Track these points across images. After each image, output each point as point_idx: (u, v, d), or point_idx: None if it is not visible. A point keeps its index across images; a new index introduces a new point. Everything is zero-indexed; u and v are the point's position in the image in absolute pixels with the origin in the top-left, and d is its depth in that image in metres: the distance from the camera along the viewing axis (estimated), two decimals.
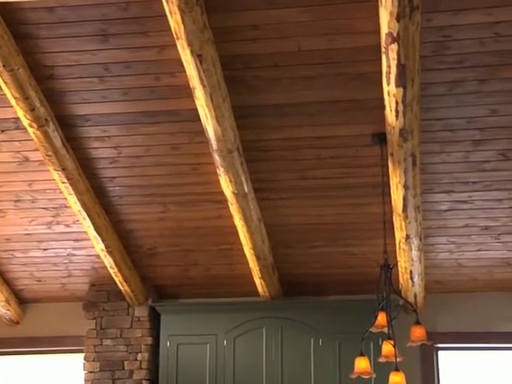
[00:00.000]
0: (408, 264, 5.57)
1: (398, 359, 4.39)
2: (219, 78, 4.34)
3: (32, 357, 6.56)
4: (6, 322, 6.52)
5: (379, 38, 3.91)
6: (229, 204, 5.27)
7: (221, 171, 4.98)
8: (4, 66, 4.27)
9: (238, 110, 4.62)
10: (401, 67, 3.96)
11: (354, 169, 5.05)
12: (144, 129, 4.87)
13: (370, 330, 4.48)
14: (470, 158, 4.85)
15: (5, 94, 4.49)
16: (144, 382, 6.04)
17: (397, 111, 4.27)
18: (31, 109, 4.57)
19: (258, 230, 5.50)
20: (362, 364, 4.56)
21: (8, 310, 6.42)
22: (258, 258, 5.73)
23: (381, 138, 4.69)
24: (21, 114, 4.61)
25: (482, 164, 4.89)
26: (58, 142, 4.86)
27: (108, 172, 5.24)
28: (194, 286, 6.29)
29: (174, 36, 4.05)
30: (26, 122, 4.67)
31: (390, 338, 4.42)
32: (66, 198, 5.36)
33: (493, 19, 3.93)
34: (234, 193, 5.13)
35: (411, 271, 5.64)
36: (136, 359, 6.08)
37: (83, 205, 5.34)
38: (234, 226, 5.51)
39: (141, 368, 6.05)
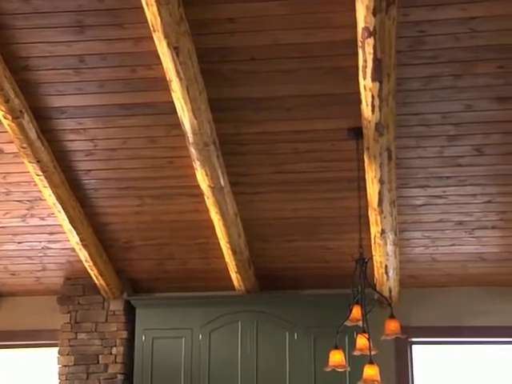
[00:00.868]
0: (383, 258, 5.60)
1: (373, 352, 4.41)
2: (196, 70, 4.33)
3: (6, 351, 6.51)
4: None
5: (356, 32, 3.92)
6: (205, 198, 5.27)
7: (197, 165, 4.96)
8: None
9: (215, 103, 4.61)
10: (377, 62, 3.97)
11: (330, 163, 5.06)
12: (120, 121, 4.84)
13: (345, 323, 4.50)
14: (445, 153, 4.88)
15: None
16: (119, 375, 6.03)
17: (373, 106, 4.29)
18: (5, 100, 4.52)
19: (234, 223, 5.50)
20: (336, 357, 4.57)
21: None
22: (234, 252, 5.73)
23: (357, 133, 4.71)
24: None
25: (457, 159, 4.92)
26: (32, 134, 4.82)
27: (83, 165, 5.21)
28: (169, 280, 6.28)
29: (151, 28, 4.03)
30: (0, 114, 4.63)
31: (364, 332, 4.44)
32: (40, 191, 5.32)
33: (468, 15, 3.95)
34: (210, 186, 5.12)
35: (386, 266, 5.67)
36: (111, 353, 6.06)
37: (58, 198, 5.31)
38: (210, 220, 5.50)
39: (116, 362, 6.03)
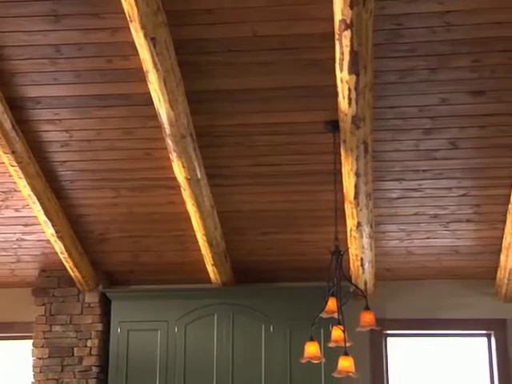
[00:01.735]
0: (359, 251, 5.63)
1: (348, 344, 4.44)
2: (173, 62, 4.31)
3: None
4: None
5: (333, 24, 3.93)
6: (181, 190, 5.26)
7: (174, 156, 4.95)
8: None
9: (192, 94, 4.60)
10: (354, 54, 3.98)
11: (306, 156, 5.07)
12: (96, 112, 4.81)
13: (321, 315, 4.51)
14: (421, 146, 4.91)
15: None
16: (94, 368, 6.00)
17: (349, 98, 4.30)
18: None
19: (210, 216, 5.49)
20: (311, 349, 4.59)
21: None
22: (211, 245, 5.73)
23: (334, 125, 4.72)
24: None
25: (433, 152, 4.96)
26: (7, 125, 4.77)
27: (59, 156, 5.17)
28: (145, 273, 6.26)
29: (128, 18, 4.01)
30: None
31: (339, 323, 4.46)
32: (15, 182, 5.28)
33: (444, 8, 3.97)
34: (186, 178, 5.11)
35: (362, 258, 5.70)
36: (86, 345, 6.03)
37: (33, 189, 5.26)
38: (187, 212, 5.49)
39: (90, 354, 6.01)
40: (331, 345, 4.57)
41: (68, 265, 5.95)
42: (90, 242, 5.98)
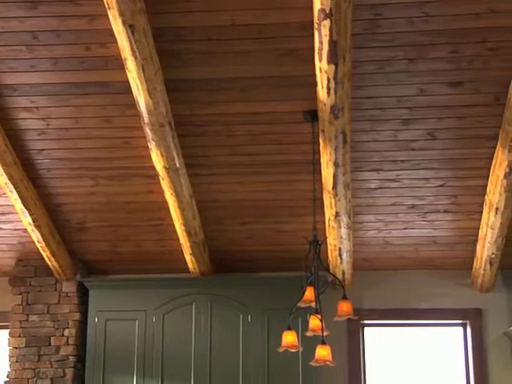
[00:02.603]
0: (337, 241, 5.65)
1: (325, 333, 4.45)
2: (151, 49, 4.29)
3: None
4: None
5: (312, 13, 3.93)
6: (160, 179, 5.24)
7: (152, 145, 4.93)
8: None
9: (171, 83, 4.58)
10: (332, 44, 3.99)
11: (285, 145, 5.07)
12: (74, 100, 4.78)
13: (298, 304, 4.52)
14: (399, 136, 4.93)
15: None
16: (71, 357, 5.98)
17: (328, 88, 4.31)
18: None
19: (189, 205, 5.48)
20: (289, 338, 4.61)
21: None
22: (189, 234, 5.72)
23: (312, 115, 4.73)
24: None
25: (411, 143, 4.98)
26: None
27: (36, 144, 5.13)
28: (123, 262, 6.24)
29: (106, 5, 3.98)
30: None
31: (317, 313, 4.48)
32: None
33: None
34: (165, 167, 5.09)
35: (340, 249, 5.72)
36: (63, 335, 6.00)
37: (10, 177, 5.22)
38: (165, 202, 5.48)
39: (68, 344, 5.98)
40: (309, 334, 4.59)
41: (45, 254, 5.92)
42: (67, 231, 5.95)
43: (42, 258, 5.98)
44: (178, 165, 5.10)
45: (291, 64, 4.44)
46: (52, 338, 6.01)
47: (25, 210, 5.50)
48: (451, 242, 5.90)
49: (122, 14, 3.99)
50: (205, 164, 5.26)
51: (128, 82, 4.47)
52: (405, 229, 5.78)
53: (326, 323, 4.49)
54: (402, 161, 5.13)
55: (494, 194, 5.12)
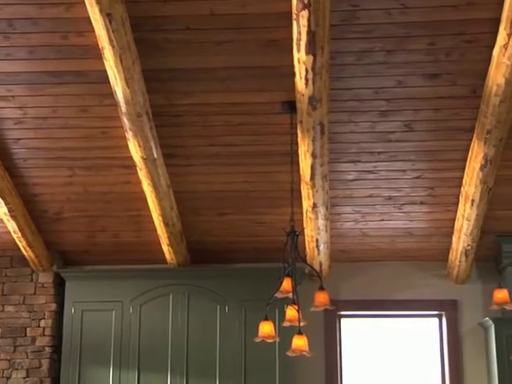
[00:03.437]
0: (314, 233, 5.67)
1: (302, 323, 4.46)
2: (129, 39, 4.26)
3: None
4: None
5: (291, 4, 3.93)
6: (137, 169, 5.22)
7: (130, 135, 4.91)
8: None
9: (148, 73, 4.56)
10: (311, 34, 3.99)
11: (263, 136, 5.07)
12: (51, 89, 4.74)
13: (275, 295, 4.53)
14: (377, 128, 4.95)
15: None
16: (47, 348, 5.95)
17: (306, 79, 4.31)
18: None
19: (166, 196, 5.47)
20: (266, 328, 4.61)
21: None
22: (167, 225, 5.71)
23: (290, 106, 4.73)
24: None
25: (388, 135, 5.00)
26: None
27: (12, 133, 5.09)
28: (100, 253, 6.22)
29: None
30: None
31: (294, 303, 4.49)
32: None
33: None
34: (142, 158, 5.07)
35: (317, 240, 5.74)
36: (39, 326, 5.98)
37: None
38: (143, 192, 5.46)
39: (44, 335, 5.96)
40: (285, 324, 4.60)
41: (21, 244, 5.88)
42: (44, 222, 5.91)
43: (18, 249, 5.95)
44: (155, 155, 5.08)
45: (270, 54, 4.44)
46: (28, 328, 5.98)
47: (0, 200, 5.46)
48: (427, 234, 5.94)
49: (98, 3, 3.96)
50: (182, 154, 5.25)
51: (105, 71, 4.44)
52: (381, 220, 5.81)
53: (302, 314, 4.50)
54: (379, 152, 5.15)
55: (470, 185, 5.16)
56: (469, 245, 5.69)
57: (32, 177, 5.48)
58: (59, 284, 6.11)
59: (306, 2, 3.80)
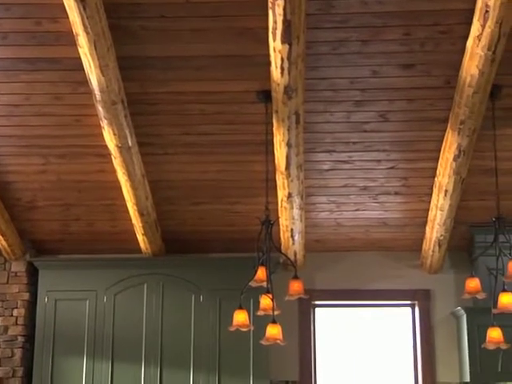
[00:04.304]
0: (289, 222, 5.68)
1: (276, 312, 4.49)
2: (104, 25, 4.23)
3: None
4: None
5: None
6: (112, 158, 5.19)
7: (104, 123, 4.88)
8: None
9: (123, 60, 4.54)
10: (287, 23, 3.99)
11: (239, 125, 5.06)
12: (24, 76, 4.69)
13: (250, 284, 4.55)
14: (352, 118, 4.96)
15: None
16: (20, 338, 5.92)
17: (282, 68, 4.31)
18: None
19: (141, 185, 5.44)
20: (240, 317, 4.62)
21: None
22: (141, 214, 5.69)
23: (266, 95, 4.73)
24: None
25: (363, 125, 5.02)
26: None
27: None
28: (74, 242, 6.18)
29: None
30: None
31: (268, 292, 4.51)
32: None
33: None
34: (117, 146, 5.04)
35: (292, 230, 5.75)
36: (12, 315, 5.93)
37: None
38: (117, 181, 5.43)
39: (16, 324, 5.92)
40: (260, 313, 4.62)
41: None
42: (17, 210, 5.86)
43: None
44: (130, 143, 5.05)
45: (246, 43, 4.43)
46: (0, 318, 5.94)
47: None
48: (401, 224, 5.98)
49: None
50: (158, 143, 5.22)
51: (80, 58, 4.41)
52: (356, 210, 5.84)
53: (277, 303, 4.52)
54: (354, 142, 5.17)
55: (444, 176, 5.20)
56: (442, 235, 5.74)
57: (5, 165, 5.42)
58: (32, 273, 6.06)
59: None
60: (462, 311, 5.76)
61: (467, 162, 5.03)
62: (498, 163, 4.85)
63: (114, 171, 5.35)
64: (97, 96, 4.64)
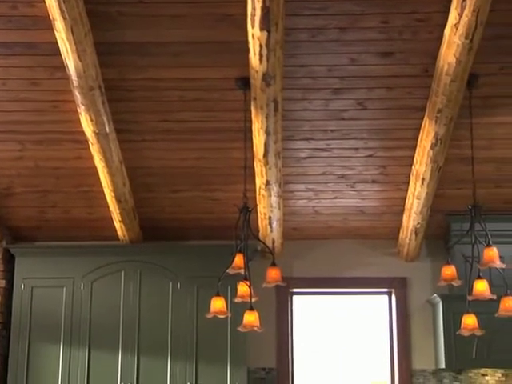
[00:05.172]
0: (267, 210, 5.69)
1: (253, 299, 4.50)
2: (81, 10, 4.20)
3: None
4: None
5: None
6: (89, 144, 5.16)
7: (81, 109, 4.85)
8: None
9: (101, 46, 4.50)
10: (265, 10, 3.98)
11: (217, 113, 5.05)
12: (0, 61, 4.64)
13: (227, 271, 4.55)
14: (330, 106, 4.97)
15: None
16: None
17: (260, 55, 4.31)
18: None
19: (119, 172, 5.42)
20: (217, 304, 4.63)
21: None
22: (119, 201, 5.66)
23: (244, 82, 4.71)
24: None
25: (341, 113, 5.02)
26: None
27: None
28: (51, 229, 6.15)
29: None
30: None
31: (246, 279, 4.51)
32: None
33: None
34: (94, 132, 5.02)
35: (270, 217, 5.77)
36: None
37: None
38: (95, 168, 5.40)
39: None
40: (237, 300, 4.63)
41: None
42: None
43: None
44: (107, 130, 5.02)
45: (225, 29, 4.41)
46: None
47: None
48: (378, 212, 6.01)
49: None
50: (135, 130, 5.20)
51: (57, 43, 4.37)
52: (334, 198, 5.85)
53: (254, 290, 4.53)
54: (332, 130, 5.18)
55: (421, 164, 5.23)
56: (419, 223, 5.78)
57: None
58: (9, 260, 6.02)
59: None
60: (438, 298, 5.81)
61: (444, 150, 5.06)
62: (475, 152, 4.88)
63: (91, 157, 5.32)
64: (74, 82, 4.61)
